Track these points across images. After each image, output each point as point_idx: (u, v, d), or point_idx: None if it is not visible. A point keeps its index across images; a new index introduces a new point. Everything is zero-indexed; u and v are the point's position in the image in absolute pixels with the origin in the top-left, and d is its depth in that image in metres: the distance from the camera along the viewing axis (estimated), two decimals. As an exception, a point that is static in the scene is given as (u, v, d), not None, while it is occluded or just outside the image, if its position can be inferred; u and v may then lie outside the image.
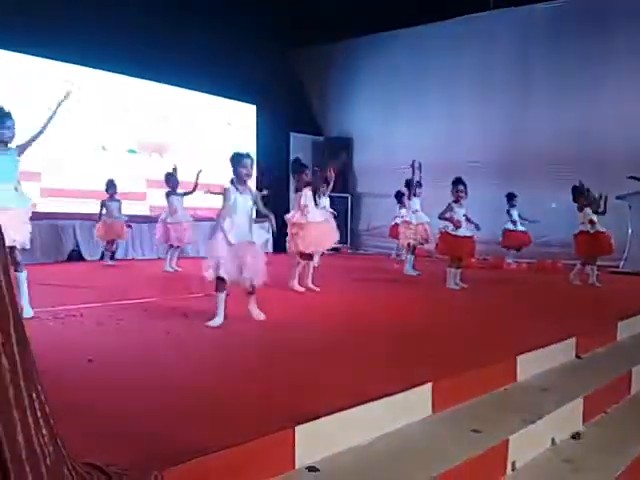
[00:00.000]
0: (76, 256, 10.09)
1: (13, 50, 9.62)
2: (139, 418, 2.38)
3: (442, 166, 11.68)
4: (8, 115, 4.55)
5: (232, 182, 4.81)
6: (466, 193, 7.30)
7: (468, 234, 7.29)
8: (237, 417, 2.40)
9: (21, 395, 1.48)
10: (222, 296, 4.60)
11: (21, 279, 4.61)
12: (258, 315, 4.79)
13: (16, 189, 4.56)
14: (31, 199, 4.80)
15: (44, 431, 1.52)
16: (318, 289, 6.65)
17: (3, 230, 4.36)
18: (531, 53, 12.04)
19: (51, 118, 4.73)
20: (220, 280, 4.58)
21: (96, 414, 2.39)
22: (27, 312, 4.53)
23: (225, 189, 4.79)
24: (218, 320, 4.53)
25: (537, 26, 11.96)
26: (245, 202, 4.74)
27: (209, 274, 4.56)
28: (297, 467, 2.25)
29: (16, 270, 4.55)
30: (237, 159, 4.85)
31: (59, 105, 4.78)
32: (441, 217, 7.29)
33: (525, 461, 2.77)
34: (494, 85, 12.35)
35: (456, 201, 7.27)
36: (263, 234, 5.09)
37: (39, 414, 1.52)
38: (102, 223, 9.33)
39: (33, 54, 9.88)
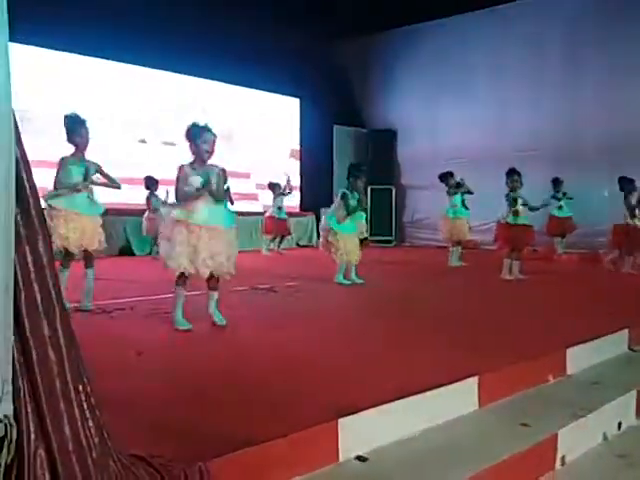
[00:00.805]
0: (127, 251, 10.28)
1: (53, 49, 9.89)
2: (185, 410, 2.40)
3: (489, 157, 11.50)
4: (83, 123, 4.68)
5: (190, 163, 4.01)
6: (521, 183, 7.23)
7: (527, 223, 7.22)
8: (281, 409, 2.41)
9: (68, 387, 1.50)
10: (182, 292, 4.01)
11: (90, 275, 4.83)
12: (220, 320, 4.09)
13: (89, 197, 4.77)
14: (103, 206, 4.97)
15: (90, 423, 1.54)
16: (362, 281, 6.62)
17: (77, 234, 4.59)
18: (582, 37, 11.59)
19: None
20: (182, 273, 3.92)
21: (142, 406, 2.43)
22: (86, 306, 4.75)
23: (179, 168, 4.00)
24: (185, 322, 4.00)
25: (588, 8, 11.55)
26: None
27: (171, 264, 3.85)
28: (341, 459, 2.24)
29: (86, 266, 4.83)
30: (196, 132, 3.99)
31: None
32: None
33: (575, 456, 2.71)
34: (544, 73, 11.98)
35: (513, 191, 7.19)
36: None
37: (85, 406, 1.55)
38: (148, 219, 9.54)
39: (79, 52, 10.12)
